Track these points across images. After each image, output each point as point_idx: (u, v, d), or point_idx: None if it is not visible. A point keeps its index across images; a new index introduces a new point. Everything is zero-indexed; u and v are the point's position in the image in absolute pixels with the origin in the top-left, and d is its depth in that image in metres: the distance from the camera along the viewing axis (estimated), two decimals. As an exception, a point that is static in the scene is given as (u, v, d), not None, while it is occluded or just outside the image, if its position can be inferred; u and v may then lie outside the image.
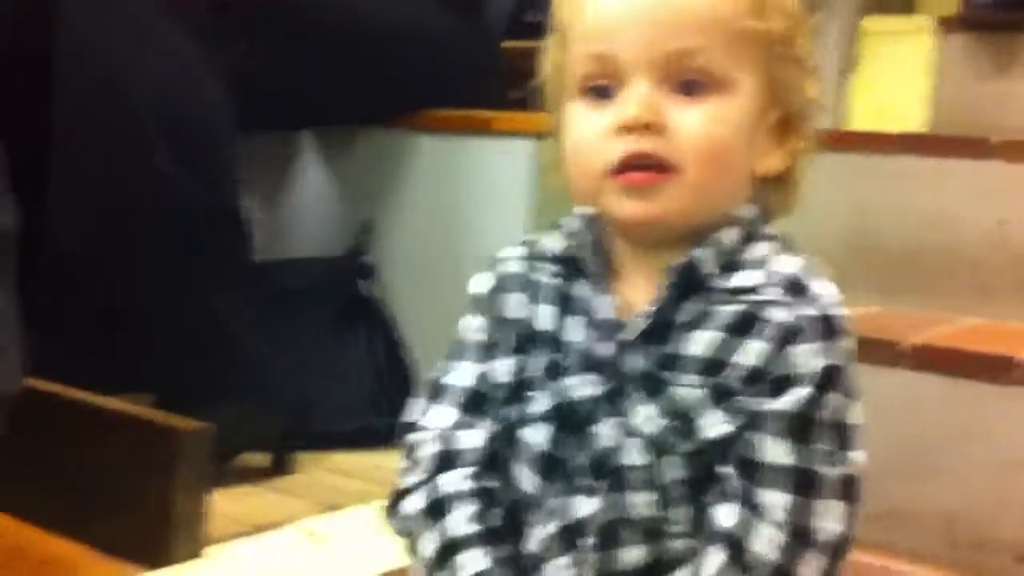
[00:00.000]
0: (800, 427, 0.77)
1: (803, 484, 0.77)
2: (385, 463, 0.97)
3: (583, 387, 0.82)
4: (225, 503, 1.42)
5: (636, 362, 0.81)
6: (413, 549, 0.84)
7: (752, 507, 0.76)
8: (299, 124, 1.97)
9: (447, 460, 0.85)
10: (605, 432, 0.80)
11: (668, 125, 0.79)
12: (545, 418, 0.83)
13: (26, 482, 1.32)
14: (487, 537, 0.82)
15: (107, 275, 1.54)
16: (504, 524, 0.84)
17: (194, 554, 1.26)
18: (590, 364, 0.82)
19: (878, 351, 1.52)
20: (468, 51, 1.92)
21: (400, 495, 0.85)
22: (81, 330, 1.59)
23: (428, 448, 0.85)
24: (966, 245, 1.82)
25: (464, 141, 1.86)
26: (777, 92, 0.84)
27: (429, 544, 0.82)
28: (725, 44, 0.80)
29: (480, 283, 0.88)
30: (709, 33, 0.80)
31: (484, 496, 0.84)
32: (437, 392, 0.87)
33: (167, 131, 1.50)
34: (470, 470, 0.84)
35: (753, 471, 0.77)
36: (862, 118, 2.33)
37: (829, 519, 0.76)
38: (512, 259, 0.88)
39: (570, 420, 0.82)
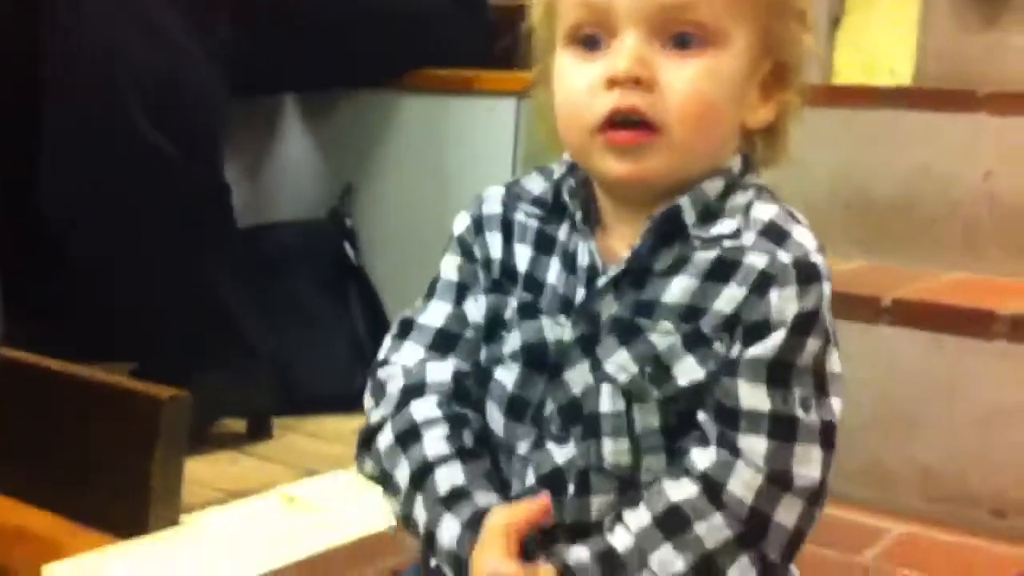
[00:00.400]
0: (778, 372, 0.77)
1: (781, 429, 0.76)
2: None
3: (554, 328, 0.82)
4: (202, 469, 1.42)
5: (610, 307, 0.80)
6: (387, 486, 0.83)
7: (730, 450, 0.76)
8: (280, 88, 1.96)
9: (414, 391, 0.84)
10: (575, 378, 0.80)
11: (658, 81, 0.78)
12: (514, 357, 0.82)
13: (1, 453, 1.32)
14: (461, 455, 0.81)
15: (91, 245, 1.54)
16: (478, 448, 0.83)
17: (172, 522, 1.26)
18: (564, 306, 0.82)
19: (860, 307, 1.52)
20: (455, 10, 1.90)
21: (369, 432, 0.84)
22: (65, 300, 1.59)
23: (395, 383, 0.84)
24: (953, 199, 1.81)
25: (447, 100, 1.84)
26: (772, 44, 0.82)
27: (403, 472, 0.81)
28: None
29: (459, 222, 0.88)
30: None
31: (455, 420, 0.83)
32: (406, 330, 0.87)
33: (152, 102, 1.50)
34: (438, 398, 0.83)
35: (731, 417, 0.76)
36: (849, 71, 2.31)
37: (808, 465, 0.76)
38: (492, 199, 0.88)
39: (540, 361, 0.82)
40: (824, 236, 1.97)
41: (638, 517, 0.76)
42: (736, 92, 0.81)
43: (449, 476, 0.81)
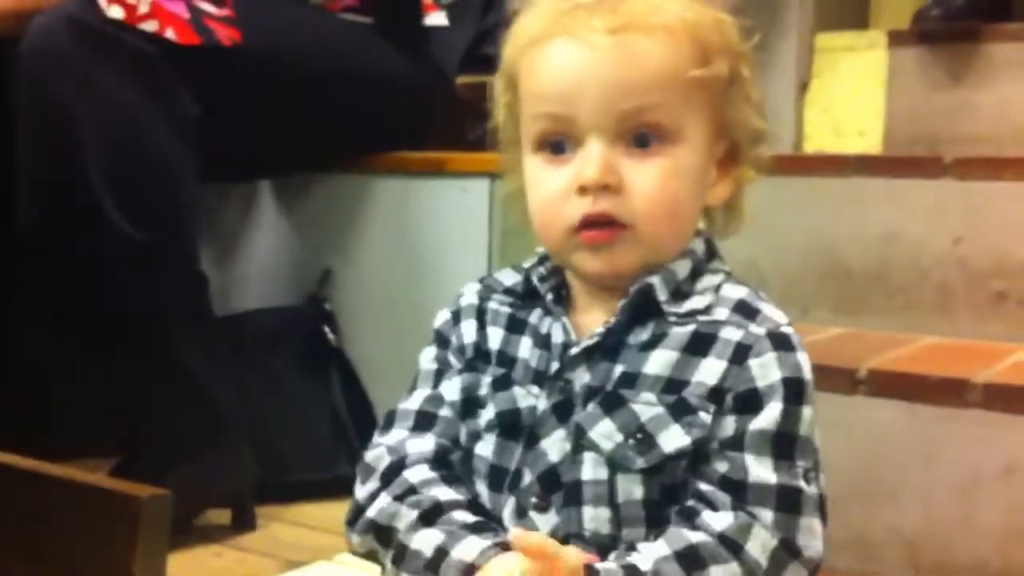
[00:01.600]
0: (783, 444, 0.80)
1: (788, 502, 0.79)
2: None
3: (527, 398, 0.86)
4: (185, 565, 1.41)
5: (582, 377, 0.84)
6: (383, 544, 0.85)
7: (748, 515, 0.78)
8: (255, 174, 1.97)
9: (400, 464, 0.87)
10: (551, 446, 0.83)
11: (623, 183, 0.83)
12: (489, 428, 0.87)
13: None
14: (471, 504, 0.85)
15: (65, 334, 1.54)
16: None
17: (155, 623, 1.25)
18: (536, 378, 0.86)
19: (837, 378, 1.52)
20: (421, 89, 1.91)
21: (358, 508, 0.87)
22: (42, 395, 1.59)
23: (382, 461, 0.88)
24: (925, 264, 1.83)
25: (420, 182, 1.86)
26: (724, 127, 0.87)
27: (409, 516, 0.83)
28: (675, 96, 0.84)
29: (439, 317, 0.94)
30: (659, 90, 0.83)
31: (450, 479, 0.86)
32: (391, 419, 0.92)
33: (121, 189, 1.50)
34: (427, 465, 0.87)
35: (739, 489, 0.79)
36: (819, 134, 2.34)
37: (812, 537, 0.79)
38: (469, 292, 0.93)
39: (514, 429, 0.85)
40: (800, 304, 1.99)
41: (656, 548, 0.78)
42: (697, 181, 0.86)
43: (467, 515, 0.83)
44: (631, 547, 0.79)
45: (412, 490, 0.85)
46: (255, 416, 1.73)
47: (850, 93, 2.33)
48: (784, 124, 2.28)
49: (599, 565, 0.77)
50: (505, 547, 0.79)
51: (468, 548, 0.80)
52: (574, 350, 0.85)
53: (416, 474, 0.87)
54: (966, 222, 1.79)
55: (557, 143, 0.85)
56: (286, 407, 1.81)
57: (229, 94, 1.65)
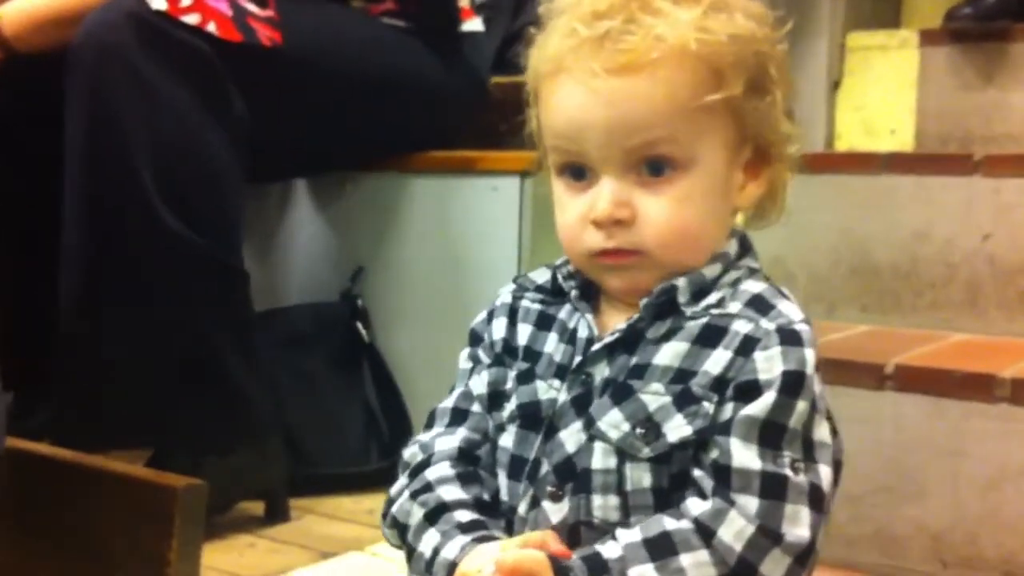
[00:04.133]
0: (769, 433, 0.80)
1: (772, 488, 0.80)
2: (381, 507, 1.00)
3: (548, 391, 0.87)
4: (220, 555, 1.44)
5: (603, 371, 0.86)
6: (406, 545, 0.88)
7: (725, 501, 0.79)
8: (291, 174, 1.99)
9: (427, 460, 0.90)
10: (569, 437, 0.85)
11: (637, 215, 0.84)
12: (511, 419, 0.89)
13: (18, 547, 1.34)
14: (478, 503, 0.88)
15: (110, 332, 1.56)
16: (493, 502, 0.88)
17: (191, 610, 1.28)
18: (559, 372, 0.88)
19: (864, 373, 1.53)
20: (457, 93, 1.93)
21: (389, 501, 0.91)
22: (82, 387, 1.61)
23: (414, 458, 0.91)
24: (954, 261, 1.83)
25: (452, 181, 1.88)
26: (748, 132, 0.87)
27: (417, 515, 0.87)
28: (683, 127, 0.84)
29: (477, 318, 0.96)
30: (664, 125, 0.83)
31: (467, 477, 0.89)
32: (432, 418, 0.95)
33: (171, 187, 1.52)
34: (449, 462, 0.90)
35: (724, 474, 0.80)
36: (851, 134, 2.34)
37: (797, 524, 0.79)
38: (504, 293, 0.96)
39: (534, 421, 0.87)
40: (829, 302, 2.00)
41: (630, 535, 0.80)
42: (716, 198, 0.87)
43: (467, 514, 0.86)
44: (611, 536, 0.81)
45: (427, 487, 0.88)
46: (288, 410, 1.76)
47: (882, 92, 2.33)
48: (816, 123, 2.29)
49: (568, 561, 0.79)
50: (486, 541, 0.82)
51: (454, 547, 0.83)
52: (596, 346, 0.86)
53: (435, 472, 0.89)
54: (995, 219, 1.79)
55: (577, 170, 0.87)
56: (319, 401, 1.84)
57: (268, 95, 1.67)
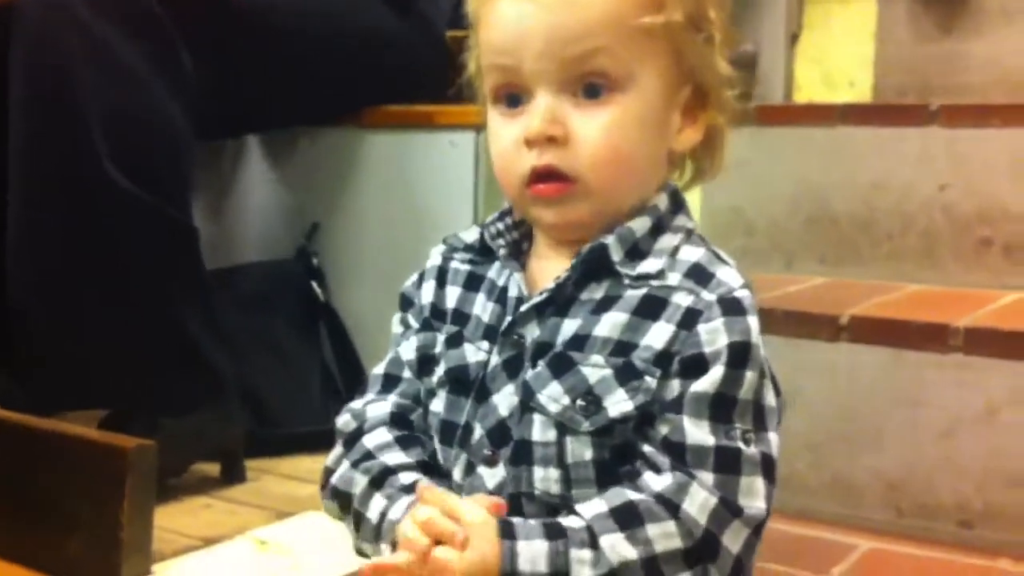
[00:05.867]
0: (720, 407, 0.80)
1: (726, 462, 0.79)
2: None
3: (477, 353, 0.86)
4: (175, 517, 1.42)
5: (532, 332, 0.84)
6: (345, 512, 0.87)
7: (685, 475, 0.78)
8: (243, 130, 1.97)
9: (360, 428, 0.89)
10: (502, 401, 0.84)
11: (571, 135, 0.82)
12: (440, 384, 0.87)
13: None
14: (422, 466, 0.86)
15: (60, 292, 1.54)
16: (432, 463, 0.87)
17: (144, 572, 1.27)
18: (488, 333, 0.86)
19: (819, 325, 1.53)
20: (411, 45, 1.91)
21: (327, 473, 0.89)
22: (32, 347, 1.59)
23: (348, 425, 0.90)
24: (912, 212, 1.84)
25: (407, 135, 1.86)
26: (686, 70, 0.85)
27: (361, 482, 0.85)
28: (621, 42, 0.82)
29: (407, 282, 0.94)
30: (603, 35, 0.81)
31: (406, 440, 0.88)
32: (363, 385, 0.93)
33: (120, 144, 1.49)
34: (385, 428, 0.89)
35: (678, 451, 0.79)
36: (809, 85, 2.34)
37: (754, 496, 0.79)
38: (434, 254, 0.94)
39: (463, 385, 0.86)
40: (787, 252, 2.00)
41: (593, 506, 0.79)
42: (651, 129, 0.85)
43: (410, 475, 0.85)
44: (572, 511, 0.79)
45: (368, 455, 0.87)
46: (245, 370, 1.74)
47: (841, 44, 2.33)
48: (775, 75, 2.28)
49: (515, 519, 0.78)
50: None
51: (398, 508, 0.82)
52: (525, 306, 0.85)
53: (373, 439, 0.88)
54: (952, 170, 1.79)
55: (512, 96, 0.84)
56: (275, 360, 1.82)
57: (217, 49, 1.64)
